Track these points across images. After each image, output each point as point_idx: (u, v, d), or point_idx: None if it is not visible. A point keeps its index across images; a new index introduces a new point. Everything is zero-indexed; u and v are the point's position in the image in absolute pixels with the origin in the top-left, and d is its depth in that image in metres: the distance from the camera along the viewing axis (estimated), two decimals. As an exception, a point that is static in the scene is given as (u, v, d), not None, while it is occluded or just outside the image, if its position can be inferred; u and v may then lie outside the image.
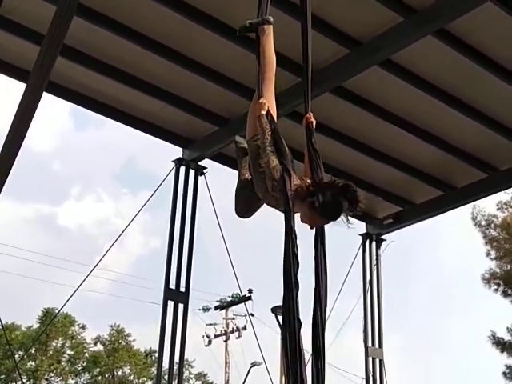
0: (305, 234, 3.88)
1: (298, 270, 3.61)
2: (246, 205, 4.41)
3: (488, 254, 21.95)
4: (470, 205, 20.68)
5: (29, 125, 4.71)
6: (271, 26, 4.38)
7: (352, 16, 7.52)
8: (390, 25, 7.49)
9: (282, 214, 3.80)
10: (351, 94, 8.71)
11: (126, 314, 41.92)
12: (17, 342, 29.51)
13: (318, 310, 3.76)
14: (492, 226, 22.11)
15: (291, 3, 6.86)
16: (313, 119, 4.27)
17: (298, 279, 3.59)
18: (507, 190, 19.74)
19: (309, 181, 3.97)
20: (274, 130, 4.07)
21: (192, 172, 9.76)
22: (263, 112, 4.14)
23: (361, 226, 11.66)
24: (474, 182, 10.38)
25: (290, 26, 6.55)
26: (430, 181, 10.57)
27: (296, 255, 3.63)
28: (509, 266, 21.83)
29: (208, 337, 29.20)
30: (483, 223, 22.18)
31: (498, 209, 22.25)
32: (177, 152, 9.82)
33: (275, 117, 4.16)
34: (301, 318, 3.57)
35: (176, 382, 9.12)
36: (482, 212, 22.14)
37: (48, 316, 30.01)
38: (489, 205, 22.33)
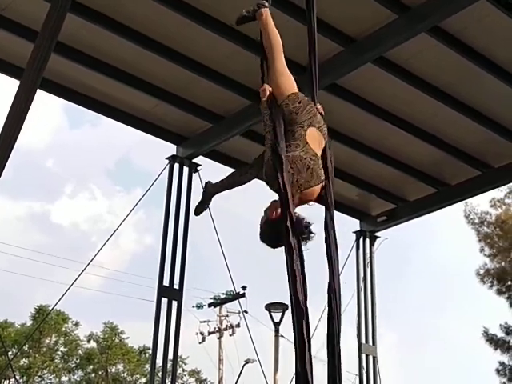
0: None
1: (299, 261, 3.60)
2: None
3: (482, 250, 22.02)
4: (464, 202, 20.79)
5: (23, 122, 4.70)
6: (267, 9, 4.43)
7: (346, 13, 7.53)
8: (384, 22, 7.50)
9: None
10: (345, 92, 8.71)
11: (120, 311, 42.04)
12: (10, 340, 29.47)
13: (332, 295, 3.78)
14: (485, 223, 22.16)
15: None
16: (322, 110, 4.33)
17: (298, 269, 3.58)
18: (500, 187, 19.86)
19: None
20: (272, 113, 4.12)
21: (186, 169, 9.75)
22: (263, 99, 4.21)
23: (354, 223, 11.69)
24: (468, 180, 10.40)
25: (285, 24, 6.56)
26: (424, 178, 10.59)
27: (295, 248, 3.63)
28: (503, 263, 21.90)
29: (202, 334, 29.19)
30: (476, 221, 22.23)
31: (492, 206, 22.30)
32: (171, 149, 9.82)
33: (295, 89, 4.27)
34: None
35: (169, 379, 9.12)
36: (474, 210, 22.20)
37: (41, 313, 30.00)
38: (481, 202, 22.40)
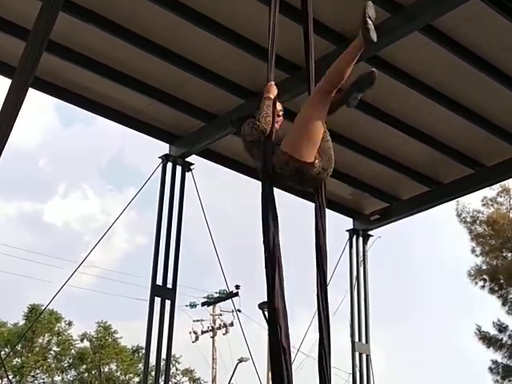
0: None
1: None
2: None
3: (473, 251, 22.08)
4: (456, 201, 20.86)
5: (14, 121, 4.67)
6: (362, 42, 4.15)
7: (339, 12, 7.52)
8: (377, 21, 7.43)
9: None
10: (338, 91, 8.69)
11: (113, 310, 41.93)
12: (2, 339, 29.39)
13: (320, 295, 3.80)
14: (477, 222, 22.22)
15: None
16: None
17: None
18: (492, 186, 19.93)
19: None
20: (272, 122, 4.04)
21: (179, 168, 9.73)
22: (271, 95, 4.14)
23: (348, 222, 11.69)
24: (461, 178, 10.41)
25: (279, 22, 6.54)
26: (417, 177, 10.60)
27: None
28: (495, 262, 21.96)
29: (195, 333, 29.19)
30: (468, 219, 22.29)
31: (484, 205, 22.36)
32: (164, 148, 9.80)
33: (312, 156, 3.95)
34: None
35: (163, 378, 9.10)
36: (466, 208, 22.27)
37: (34, 312, 29.90)
38: (473, 201, 22.46)
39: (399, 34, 7.52)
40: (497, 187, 21.99)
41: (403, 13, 7.32)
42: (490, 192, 22.07)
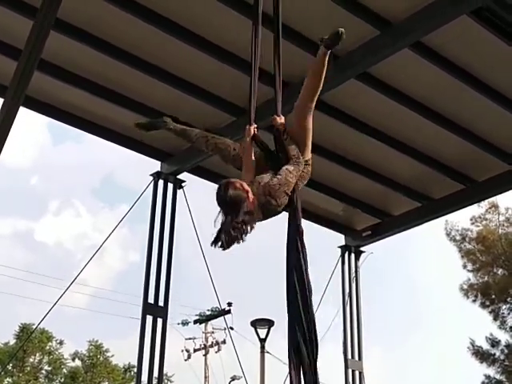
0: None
1: None
2: None
3: (465, 267, 22.16)
4: (444, 220, 20.97)
5: (5, 139, 4.69)
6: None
7: (328, 29, 7.53)
8: (367, 38, 7.54)
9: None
10: (328, 107, 8.73)
11: (105, 329, 41.69)
12: (-7, 359, 29.16)
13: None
14: (467, 239, 22.31)
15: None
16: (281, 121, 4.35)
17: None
18: (480, 203, 20.05)
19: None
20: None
21: (170, 185, 9.73)
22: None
23: (339, 238, 11.70)
24: (452, 194, 10.44)
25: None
26: (408, 193, 10.62)
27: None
28: (486, 278, 22.02)
29: (187, 351, 29.06)
30: (458, 238, 22.38)
31: (472, 223, 22.46)
32: (155, 166, 9.81)
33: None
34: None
35: (155, 396, 9.04)
36: (455, 227, 22.35)
37: (25, 332, 29.71)
38: (461, 219, 22.57)
39: (388, 51, 7.55)
40: (485, 204, 22.09)
41: (392, 30, 7.36)
42: (478, 210, 22.21)
